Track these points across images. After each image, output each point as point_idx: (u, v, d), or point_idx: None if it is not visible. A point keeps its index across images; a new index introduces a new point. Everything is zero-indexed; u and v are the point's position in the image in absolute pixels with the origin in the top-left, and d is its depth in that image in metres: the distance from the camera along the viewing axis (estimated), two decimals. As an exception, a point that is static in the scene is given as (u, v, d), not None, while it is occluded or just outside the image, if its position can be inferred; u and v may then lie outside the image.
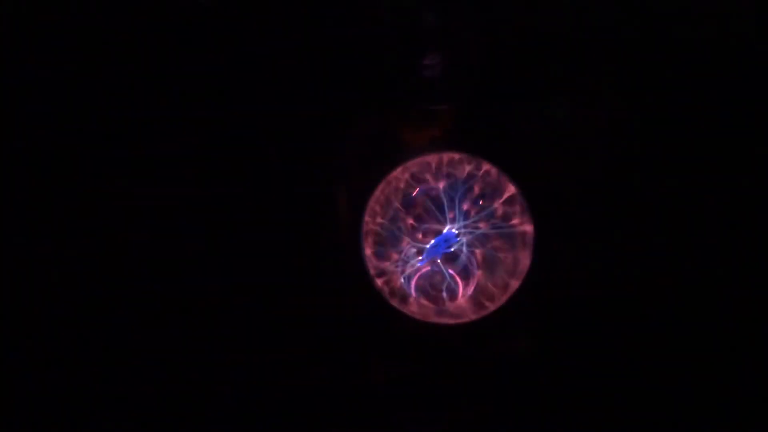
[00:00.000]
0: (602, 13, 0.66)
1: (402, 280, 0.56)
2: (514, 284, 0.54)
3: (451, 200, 0.56)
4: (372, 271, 0.54)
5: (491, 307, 0.54)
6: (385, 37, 0.61)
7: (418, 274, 0.57)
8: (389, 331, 0.55)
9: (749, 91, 0.66)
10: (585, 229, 0.65)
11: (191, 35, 0.66)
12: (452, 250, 0.57)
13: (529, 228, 0.55)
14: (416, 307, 0.55)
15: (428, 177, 0.57)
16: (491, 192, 0.56)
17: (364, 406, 0.58)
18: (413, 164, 0.56)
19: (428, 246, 0.57)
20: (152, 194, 0.65)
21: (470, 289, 0.57)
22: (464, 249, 0.57)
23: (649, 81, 0.67)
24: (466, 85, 0.60)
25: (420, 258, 0.57)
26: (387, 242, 0.57)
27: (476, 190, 0.56)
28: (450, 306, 0.57)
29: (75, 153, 0.66)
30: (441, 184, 0.57)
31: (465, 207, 0.56)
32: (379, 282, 0.54)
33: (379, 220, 0.56)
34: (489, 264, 0.57)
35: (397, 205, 0.57)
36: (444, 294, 0.57)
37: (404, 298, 0.56)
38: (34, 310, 0.64)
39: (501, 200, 0.56)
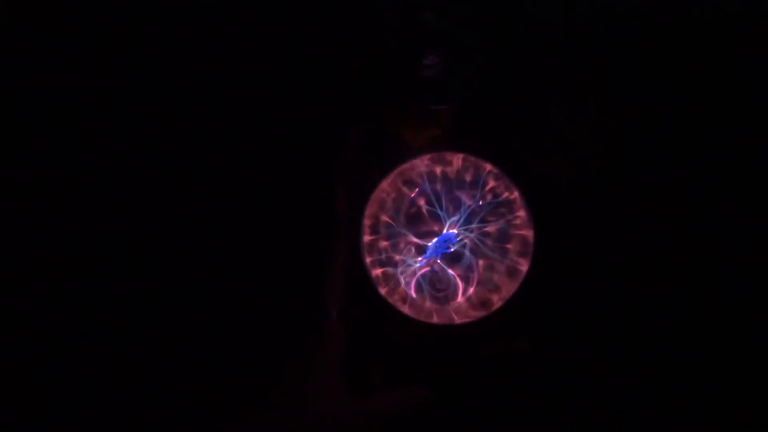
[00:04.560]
0: (603, 13, 0.66)
1: (401, 280, 0.56)
2: (515, 284, 0.54)
3: (451, 200, 0.56)
4: (370, 272, 0.54)
5: (491, 307, 0.54)
6: (385, 37, 0.61)
7: (418, 275, 0.57)
8: (388, 332, 0.55)
9: (753, 91, 0.66)
10: (586, 230, 0.65)
11: (190, 34, 0.66)
12: (452, 250, 0.56)
13: (529, 228, 0.54)
14: (415, 307, 0.55)
15: (428, 177, 0.57)
16: (491, 192, 0.56)
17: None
18: (412, 164, 0.56)
19: (428, 246, 0.57)
20: (149, 195, 0.65)
21: (470, 290, 0.57)
22: (464, 249, 0.56)
23: (651, 81, 0.67)
24: (466, 85, 0.60)
25: (420, 258, 0.57)
26: (386, 243, 0.56)
27: (476, 190, 0.56)
28: (450, 306, 0.56)
29: (72, 152, 0.66)
30: (441, 185, 0.57)
31: (464, 207, 0.56)
32: (377, 283, 0.54)
33: (377, 220, 0.56)
34: (489, 264, 0.56)
35: (396, 205, 0.57)
36: (444, 294, 0.57)
37: (404, 298, 0.56)
38: (31, 310, 0.64)
39: (501, 200, 0.56)
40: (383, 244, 0.56)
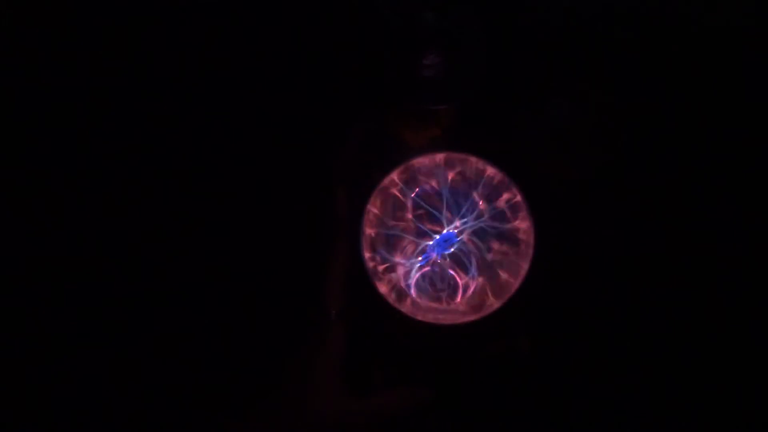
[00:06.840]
0: (603, 13, 0.66)
1: (402, 280, 0.56)
2: (515, 284, 0.54)
3: (451, 200, 0.56)
4: (370, 272, 0.54)
5: (491, 307, 0.54)
6: (385, 37, 0.61)
7: (418, 275, 0.57)
8: (388, 332, 0.55)
9: (753, 91, 0.66)
10: (586, 230, 0.65)
11: (190, 34, 0.66)
12: (452, 250, 0.56)
13: (529, 228, 0.54)
14: (415, 307, 0.55)
15: (428, 177, 0.57)
16: (491, 192, 0.56)
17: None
18: (412, 164, 0.56)
19: (428, 246, 0.57)
20: (149, 195, 0.65)
21: (470, 289, 0.57)
22: (464, 249, 0.56)
23: (651, 81, 0.67)
24: (466, 85, 0.60)
25: (419, 258, 0.57)
26: (386, 243, 0.56)
27: (476, 190, 0.56)
28: (450, 306, 0.56)
29: (72, 152, 0.66)
30: (440, 184, 0.57)
31: (465, 207, 0.56)
32: (377, 282, 0.54)
33: (377, 220, 0.56)
34: (489, 264, 0.56)
35: (396, 205, 0.57)
36: (444, 294, 0.57)
37: (403, 298, 0.56)
38: (31, 310, 0.64)
39: (501, 200, 0.56)
40: (383, 243, 0.56)
